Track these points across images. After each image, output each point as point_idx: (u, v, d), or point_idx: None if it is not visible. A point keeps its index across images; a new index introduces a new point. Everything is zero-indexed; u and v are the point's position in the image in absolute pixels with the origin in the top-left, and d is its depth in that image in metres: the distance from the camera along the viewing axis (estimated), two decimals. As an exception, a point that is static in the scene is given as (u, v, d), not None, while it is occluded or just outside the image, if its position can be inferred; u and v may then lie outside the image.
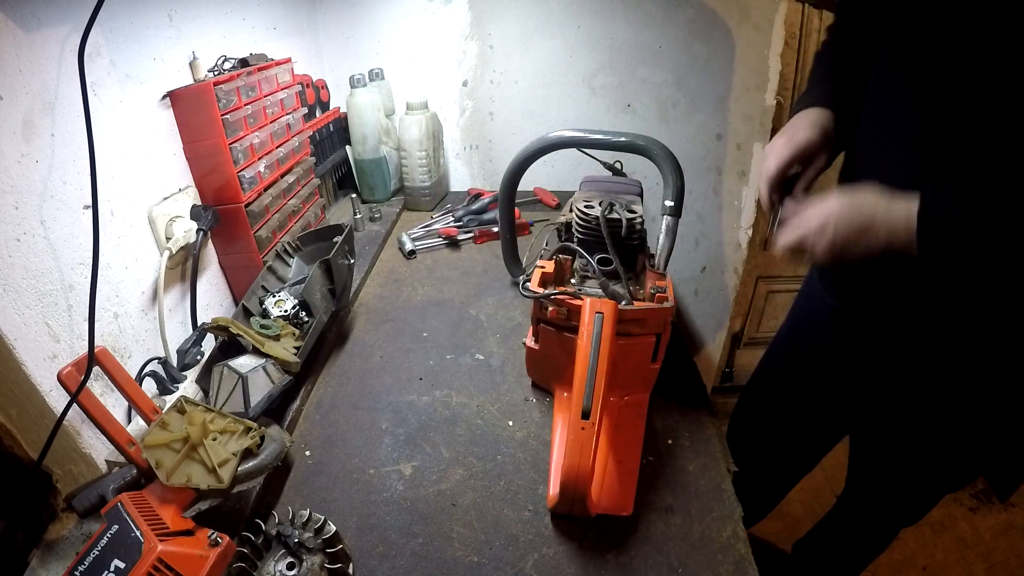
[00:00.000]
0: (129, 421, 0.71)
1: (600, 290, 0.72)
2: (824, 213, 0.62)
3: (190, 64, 0.86)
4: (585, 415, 0.56)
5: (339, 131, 1.36)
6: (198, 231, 0.83)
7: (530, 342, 0.75)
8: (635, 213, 0.78)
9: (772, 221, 0.72)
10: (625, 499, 0.61)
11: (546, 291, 0.68)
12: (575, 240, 0.79)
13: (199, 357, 0.80)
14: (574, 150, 0.83)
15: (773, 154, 0.72)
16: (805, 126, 0.73)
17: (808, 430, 1.01)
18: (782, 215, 0.68)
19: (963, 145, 0.59)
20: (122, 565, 0.45)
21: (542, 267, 0.74)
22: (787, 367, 0.97)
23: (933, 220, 0.56)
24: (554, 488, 0.62)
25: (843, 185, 0.73)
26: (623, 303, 0.66)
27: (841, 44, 0.81)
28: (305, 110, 1.15)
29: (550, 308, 0.69)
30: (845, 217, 0.60)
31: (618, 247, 0.74)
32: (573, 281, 0.78)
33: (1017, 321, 0.63)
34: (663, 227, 0.71)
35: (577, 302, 0.65)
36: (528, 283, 0.71)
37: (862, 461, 0.94)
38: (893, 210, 0.59)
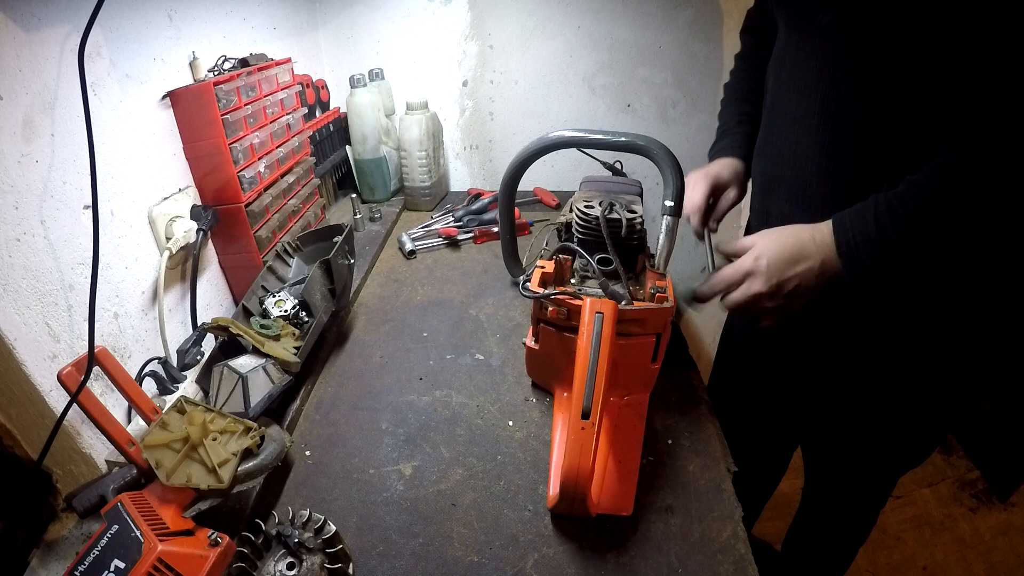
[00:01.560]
0: (129, 421, 0.71)
1: (600, 290, 0.72)
2: (755, 253, 0.64)
3: (190, 64, 0.86)
4: (585, 415, 0.56)
5: (339, 131, 1.36)
6: (198, 231, 0.83)
7: (530, 342, 0.75)
8: (635, 213, 0.78)
9: (709, 252, 0.83)
10: (625, 499, 0.61)
11: (546, 291, 0.68)
12: (575, 240, 0.79)
13: (199, 357, 0.80)
14: (574, 150, 0.83)
15: (693, 186, 0.82)
16: (719, 166, 0.86)
17: (769, 415, 1.02)
18: (716, 248, 0.75)
19: (859, 121, 0.62)
20: (122, 565, 0.45)
21: (542, 267, 0.74)
22: (742, 352, 1.00)
23: (849, 246, 0.59)
24: (554, 488, 0.62)
25: (756, 184, 0.84)
26: (623, 303, 0.66)
27: (754, 31, 0.91)
28: (305, 110, 1.15)
29: (550, 308, 0.69)
30: (775, 249, 0.63)
31: (618, 247, 0.74)
32: (573, 281, 0.78)
33: (941, 307, 0.66)
34: (663, 227, 0.71)
35: (577, 302, 0.65)
36: (528, 283, 0.71)
37: (812, 444, 0.96)
38: (818, 234, 0.62)
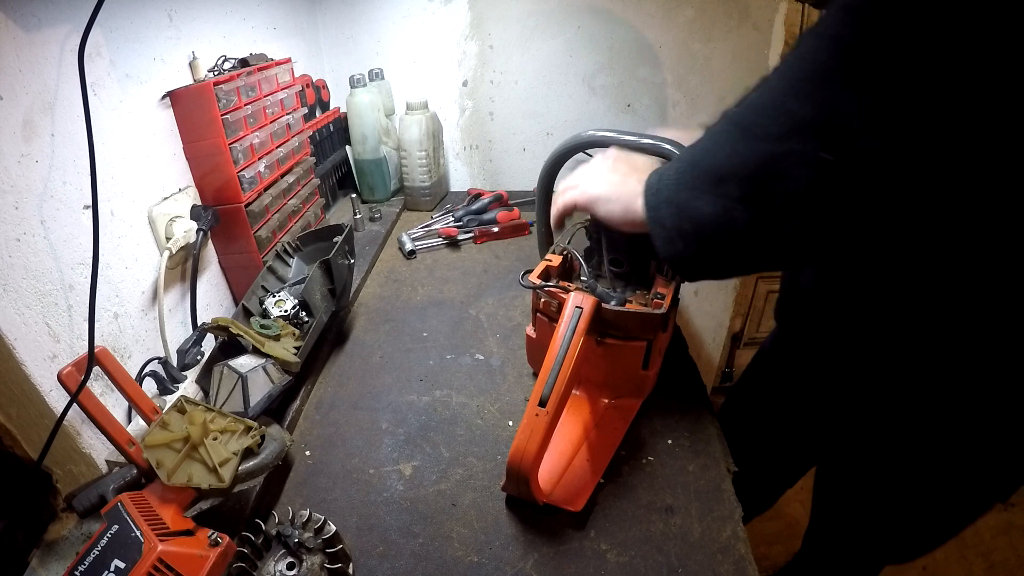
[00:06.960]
0: (129, 421, 0.71)
1: (602, 288, 0.72)
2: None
3: (190, 64, 0.86)
4: (542, 403, 0.56)
5: (339, 131, 1.36)
6: (198, 231, 0.83)
7: (530, 331, 0.76)
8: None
9: None
10: (580, 495, 0.61)
11: (540, 283, 0.68)
12: (592, 239, 0.79)
13: (199, 357, 0.80)
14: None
15: None
16: None
17: (791, 438, 0.94)
18: None
19: None
20: (122, 565, 0.45)
21: (548, 260, 0.74)
22: (773, 371, 0.94)
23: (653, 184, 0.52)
24: None
25: None
26: (612, 303, 0.66)
27: None
28: (305, 110, 1.15)
29: (542, 300, 0.70)
30: (602, 159, 0.64)
31: (628, 249, 0.73)
32: (583, 278, 0.78)
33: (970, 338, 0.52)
34: None
35: (564, 295, 0.65)
36: (529, 274, 0.71)
37: (827, 490, 0.86)
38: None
